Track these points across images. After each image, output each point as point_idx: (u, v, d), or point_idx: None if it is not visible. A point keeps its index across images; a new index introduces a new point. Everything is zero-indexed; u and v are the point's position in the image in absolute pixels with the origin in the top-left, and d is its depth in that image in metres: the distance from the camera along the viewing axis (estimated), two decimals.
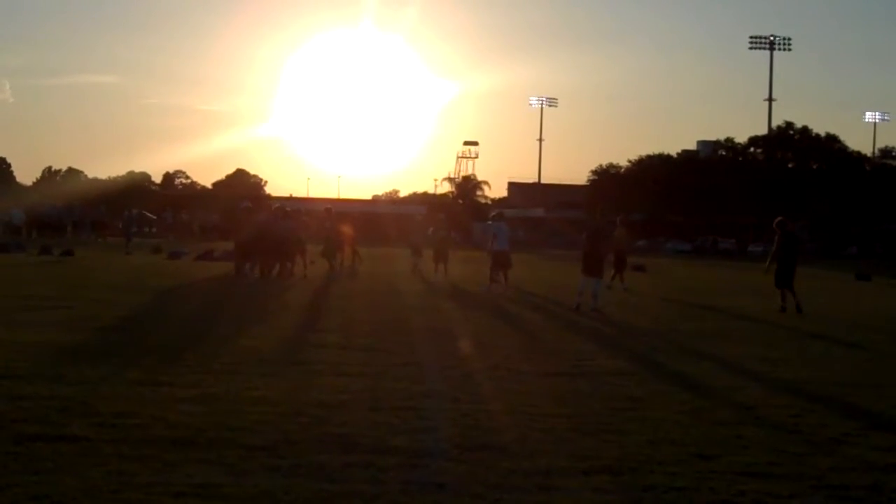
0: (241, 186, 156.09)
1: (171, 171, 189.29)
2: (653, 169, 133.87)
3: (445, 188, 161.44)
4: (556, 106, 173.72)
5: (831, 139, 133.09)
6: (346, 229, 43.85)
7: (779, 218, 27.89)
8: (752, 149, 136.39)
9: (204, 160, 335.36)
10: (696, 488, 8.06)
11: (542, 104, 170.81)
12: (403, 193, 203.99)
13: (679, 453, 9.19)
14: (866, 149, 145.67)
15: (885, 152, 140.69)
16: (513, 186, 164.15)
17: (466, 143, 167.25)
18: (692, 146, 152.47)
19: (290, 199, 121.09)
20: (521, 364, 14.83)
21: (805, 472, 8.66)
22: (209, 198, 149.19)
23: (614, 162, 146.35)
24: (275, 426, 9.81)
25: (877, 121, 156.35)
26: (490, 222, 34.89)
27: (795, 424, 10.77)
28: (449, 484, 7.96)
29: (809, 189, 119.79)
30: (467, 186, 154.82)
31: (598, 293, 24.99)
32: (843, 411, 11.68)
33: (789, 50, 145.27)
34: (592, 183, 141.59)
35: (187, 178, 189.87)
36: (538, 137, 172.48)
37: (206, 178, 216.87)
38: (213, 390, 11.64)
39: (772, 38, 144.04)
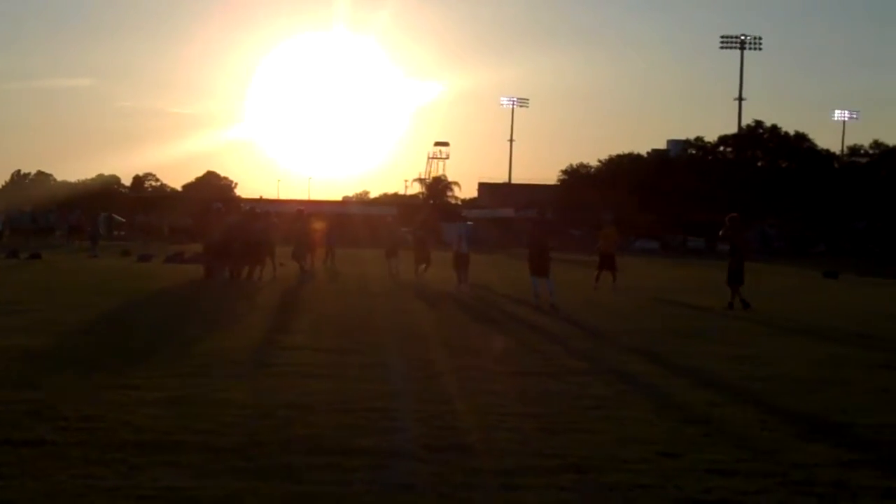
0: (211, 188, 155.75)
1: (140, 173, 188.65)
2: (623, 168, 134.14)
3: (416, 189, 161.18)
4: (526, 106, 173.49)
5: (800, 138, 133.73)
6: (320, 230, 43.86)
7: (734, 214, 27.92)
8: (721, 148, 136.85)
9: (175, 163, 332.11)
10: (662, 486, 8.10)
11: (513, 105, 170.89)
12: (374, 194, 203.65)
13: (645, 451, 9.24)
14: (835, 147, 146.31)
15: (854, 150, 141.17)
16: (483, 187, 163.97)
17: (437, 144, 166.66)
18: (662, 145, 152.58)
19: (261, 200, 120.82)
20: (490, 364, 14.85)
21: (771, 469, 8.72)
22: (179, 200, 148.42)
23: (585, 162, 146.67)
24: (242, 428, 9.80)
25: (846, 119, 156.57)
26: (462, 223, 35.11)
27: (762, 421, 10.85)
28: (416, 484, 7.98)
29: (779, 187, 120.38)
30: (438, 187, 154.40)
31: (553, 290, 25.39)
32: (809, 408, 11.74)
33: (760, 49, 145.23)
34: (563, 183, 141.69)
35: (157, 180, 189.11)
36: (509, 138, 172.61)
37: (177, 180, 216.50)
38: (180, 393, 11.62)
39: (742, 38, 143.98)
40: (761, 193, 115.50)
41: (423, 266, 37.19)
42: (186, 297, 27.67)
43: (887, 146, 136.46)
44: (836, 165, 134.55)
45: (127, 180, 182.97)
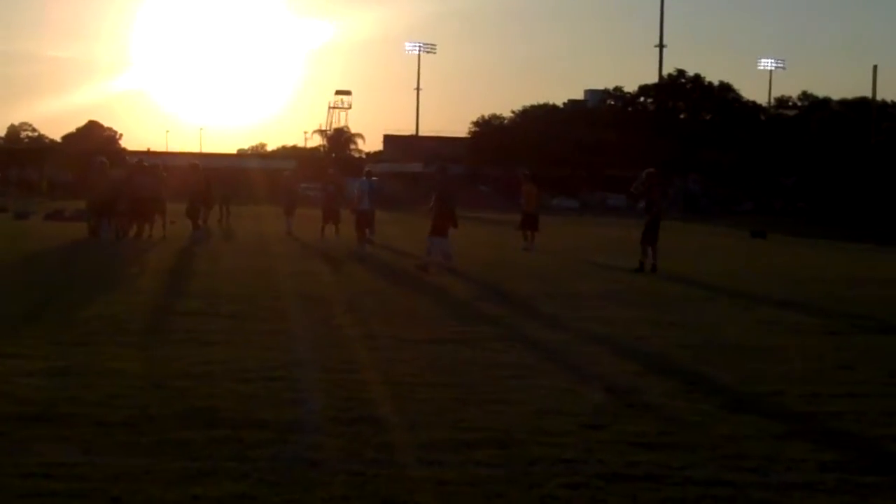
0: (94, 140, 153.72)
1: (15, 123, 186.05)
2: (538, 120, 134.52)
3: (316, 141, 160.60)
4: (434, 52, 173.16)
5: (725, 88, 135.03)
6: (217, 186, 43.55)
7: (652, 169, 28.00)
8: (642, 98, 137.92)
9: (54, 112, 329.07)
10: (585, 460, 8.14)
11: (419, 50, 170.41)
12: (271, 147, 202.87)
13: (567, 423, 9.28)
14: (762, 98, 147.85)
15: (782, 102, 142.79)
16: (388, 139, 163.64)
17: (338, 93, 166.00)
18: (579, 96, 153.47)
19: (148, 153, 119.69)
20: (400, 331, 14.83)
21: (699, 442, 8.80)
22: (59, 152, 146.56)
23: (497, 113, 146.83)
24: (133, 400, 9.71)
25: (772, 68, 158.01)
26: (364, 179, 34.91)
27: (688, 391, 10.94)
28: (322, 460, 7.94)
29: (702, 141, 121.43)
30: (340, 139, 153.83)
31: (433, 251, 25.74)
32: (738, 377, 11.86)
33: None
34: (474, 135, 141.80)
35: (34, 131, 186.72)
36: (416, 86, 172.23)
37: (56, 131, 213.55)
38: (65, 362, 11.49)
39: None
40: (684, 147, 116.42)
41: (333, 226, 36.83)
42: (69, 259, 27.37)
43: (816, 97, 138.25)
44: (762, 118, 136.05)
45: (0, 130, 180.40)
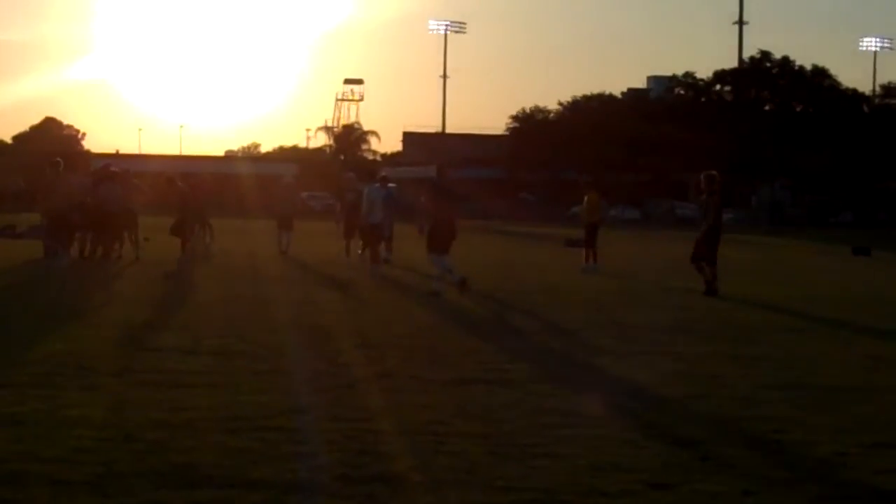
0: (52, 141, 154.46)
1: None
2: (590, 114, 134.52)
3: (321, 140, 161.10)
4: (464, 32, 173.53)
5: (819, 73, 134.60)
6: (199, 197, 43.56)
7: (712, 172, 27.83)
8: (718, 86, 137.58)
9: (3, 107, 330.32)
10: None
11: (445, 30, 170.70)
12: (266, 148, 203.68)
13: (628, 482, 9.25)
14: (864, 85, 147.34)
15: (888, 90, 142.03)
16: (409, 137, 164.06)
17: (348, 82, 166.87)
18: (642, 84, 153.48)
19: (117, 156, 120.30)
20: (422, 369, 14.85)
21: None
22: (9, 155, 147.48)
23: (541, 105, 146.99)
24: (98, 455, 9.72)
25: (877, 49, 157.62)
26: (377, 185, 34.90)
27: (777, 442, 10.89)
28: None
29: (792, 138, 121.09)
30: (349, 138, 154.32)
31: (440, 270, 25.60)
32: (837, 425, 11.79)
33: None
34: (513, 132, 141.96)
35: None
36: (441, 74, 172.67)
37: (6, 130, 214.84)
38: (17, 409, 11.52)
39: None
40: (769, 146, 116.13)
41: (348, 243, 36.63)
42: (22, 284, 27.49)
43: None
44: (865, 109, 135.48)
45: None
